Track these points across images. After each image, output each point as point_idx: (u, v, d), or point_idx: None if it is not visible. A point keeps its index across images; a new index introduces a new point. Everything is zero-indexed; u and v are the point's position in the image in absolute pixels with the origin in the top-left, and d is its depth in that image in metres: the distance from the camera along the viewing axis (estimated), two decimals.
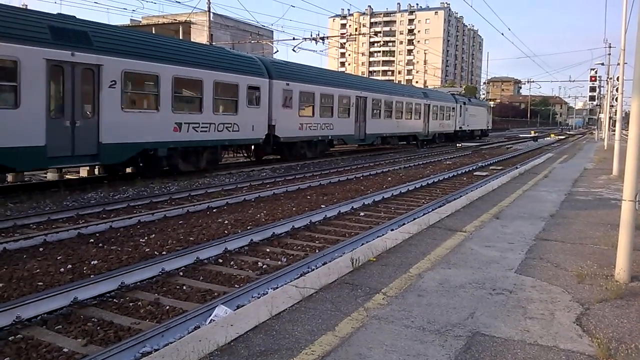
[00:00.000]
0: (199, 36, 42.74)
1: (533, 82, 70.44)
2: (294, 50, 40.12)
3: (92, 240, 8.45)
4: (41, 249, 7.83)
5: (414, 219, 9.55)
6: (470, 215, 9.12)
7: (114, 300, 5.76)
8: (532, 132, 66.93)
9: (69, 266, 6.96)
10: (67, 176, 15.92)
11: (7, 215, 10.25)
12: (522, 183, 14.27)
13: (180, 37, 39.63)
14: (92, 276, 6.38)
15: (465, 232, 7.75)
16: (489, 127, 56.18)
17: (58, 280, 6.37)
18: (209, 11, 38.13)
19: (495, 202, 10.69)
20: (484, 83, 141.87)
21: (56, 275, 6.61)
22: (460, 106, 44.70)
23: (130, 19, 40.50)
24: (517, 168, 19.89)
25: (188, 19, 45.47)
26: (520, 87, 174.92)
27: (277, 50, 59.52)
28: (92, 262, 7.15)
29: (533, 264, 6.11)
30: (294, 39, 37.59)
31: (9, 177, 14.84)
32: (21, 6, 17.84)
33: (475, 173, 20.05)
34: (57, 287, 5.80)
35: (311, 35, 37.32)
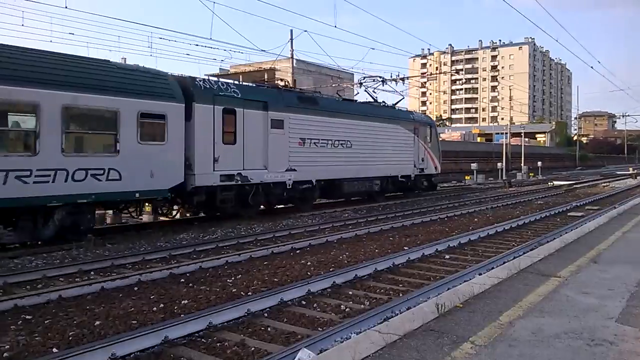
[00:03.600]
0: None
1: (629, 116, 66.44)
2: (374, 91, 40.03)
3: (182, 280, 8.80)
4: (136, 288, 8.25)
5: (504, 262, 9.14)
6: (565, 259, 8.58)
7: (202, 340, 5.93)
8: (631, 169, 62.54)
9: (161, 305, 7.27)
10: (161, 218, 16.75)
11: (105, 255, 10.96)
12: (622, 224, 13.29)
13: (265, 80, 41.35)
14: (182, 315, 6.63)
15: (559, 277, 7.29)
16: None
17: (150, 319, 6.67)
18: (292, 58, 39.67)
19: (592, 245, 10.01)
20: (575, 118, 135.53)
21: (149, 314, 6.92)
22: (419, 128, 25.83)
23: (220, 69, 42.88)
24: (615, 208, 18.58)
25: (273, 66, 47.46)
26: (615, 122, 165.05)
27: (358, 92, 60.38)
28: (182, 302, 7.43)
29: (636, 312, 5.62)
30: (373, 80, 37.90)
31: (108, 219, 15.91)
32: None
33: (569, 214, 18.95)
34: (150, 326, 6.07)
35: (391, 76, 37.64)
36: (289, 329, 6.25)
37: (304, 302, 7.37)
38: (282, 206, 19.48)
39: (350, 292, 7.94)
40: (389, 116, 23.51)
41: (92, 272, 9.38)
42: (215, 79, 16.66)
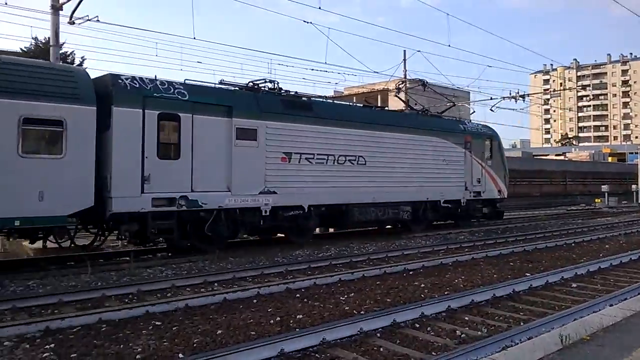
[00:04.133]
0: (396, 102, 44.32)
1: None
2: (491, 110, 39.00)
3: (298, 295, 9.06)
4: (255, 301, 8.63)
5: (639, 293, 8.33)
6: None
7: (316, 355, 6.04)
8: None
9: (278, 318, 7.53)
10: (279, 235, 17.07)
11: (227, 268, 11.61)
12: None
13: (379, 104, 41.68)
14: (297, 329, 6.82)
15: None
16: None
17: (268, 331, 6.93)
18: (405, 78, 39.55)
19: None
20: None
21: (266, 326, 7.20)
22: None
23: (334, 91, 44.03)
24: None
25: (385, 87, 47.70)
26: None
27: (474, 111, 58.72)
28: (298, 316, 7.64)
29: None
30: (491, 98, 36.61)
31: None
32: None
33: None
34: (267, 338, 6.31)
35: (510, 94, 36.09)
36: (402, 351, 6.17)
37: (417, 325, 7.25)
38: (282, 235, 15.87)
39: (466, 318, 7.67)
40: (423, 126, 18.77)
41: (215, 284, 9.97)
42: (152, 76, 12.65)
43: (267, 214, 14.03)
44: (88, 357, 5.93)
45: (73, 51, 29.97)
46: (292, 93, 16.01)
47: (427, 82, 21.97)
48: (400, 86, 22.43)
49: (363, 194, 16.28)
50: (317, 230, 17.42)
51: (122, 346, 6.29)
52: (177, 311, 7.93)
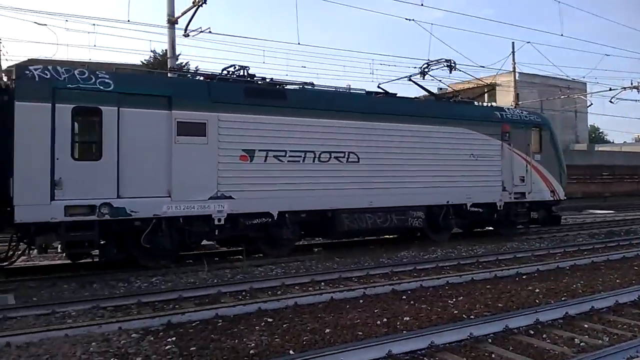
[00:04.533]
0: (505, 97, 42.49)
1: None
2: (611, 102, 35.68)
3: (404, 296, 9.01)
4: (361, 301, 8.71)
5: None
6: None
7: (424, 358, 5.98)
8: None
9: (384, 319, 7.55)
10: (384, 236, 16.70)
11: (333, 268, 11.83)
12: None
13: (486, 100, 40.13)
14: (404, 332, 6.80)
15: None
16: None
17: (375, 332, 6.97)
18: (514, 71, 37.75)
19: None
20: None
21: (373, 327, 7.24)
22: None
23: (438, 88, 43.15)
24: None
25: (493, 81, 45.86)
26: None
27: (592, 104, 54.55)
28: (405, 318, 7.60)
29: None
30: (610, 89, 33.84)
31: None
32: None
33: None
34: (374, 339, 6.35)
35: (631, 84, 33.19)
36: (515, 358, 5.93)
37: (531, 332, 6.91)
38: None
39: (586, 325, 7.19)
40: (441, 115, 15.52)
41: (322, 283, 10.20)
42: (68, 67, 11.04)
43: (222, 222, 11.96)
44: (206, 351, 6.32)
45: (188, 62, 31.99)
46: (268, 80, 13.63)
47: (454, 63, 17.32)
48: (426, 70, 17.59)
49: (355, 198, 13.62)
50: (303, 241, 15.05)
51: (236, 341, 6.65)
52: (287, 309, 8.21)
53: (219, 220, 11.89)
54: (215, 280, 10.60)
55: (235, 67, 13.54)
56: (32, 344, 6.43)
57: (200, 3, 16.77)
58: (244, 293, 9.42)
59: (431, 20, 76.36)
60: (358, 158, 13.73)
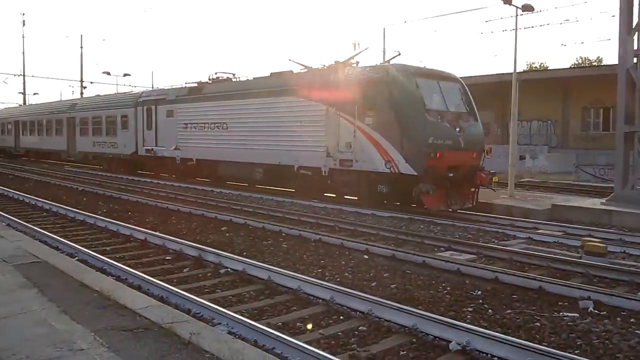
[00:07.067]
0: None
1: None
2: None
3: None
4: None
5: None
6: None
7: None
8: None
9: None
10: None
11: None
12: None
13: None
14: None
15: None
16: None
17: None
18: None
19: None
20: None
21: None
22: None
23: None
24: None
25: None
26: None
27: None
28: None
29: None
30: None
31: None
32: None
33: None
34: None
35: None
36: None
37: None
38: None
39: None
40: (274, 87, 17.36)
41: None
42: None
43: (179, 162, 21.66)
44: None
45: None
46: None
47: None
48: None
49: (225, 153, 19.17)
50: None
51: None
52: None
53: (177, 160, 21.64)
54: None
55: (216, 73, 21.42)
56: None
57: None
58: None
59: None
60: (227, 127, 19.30)
